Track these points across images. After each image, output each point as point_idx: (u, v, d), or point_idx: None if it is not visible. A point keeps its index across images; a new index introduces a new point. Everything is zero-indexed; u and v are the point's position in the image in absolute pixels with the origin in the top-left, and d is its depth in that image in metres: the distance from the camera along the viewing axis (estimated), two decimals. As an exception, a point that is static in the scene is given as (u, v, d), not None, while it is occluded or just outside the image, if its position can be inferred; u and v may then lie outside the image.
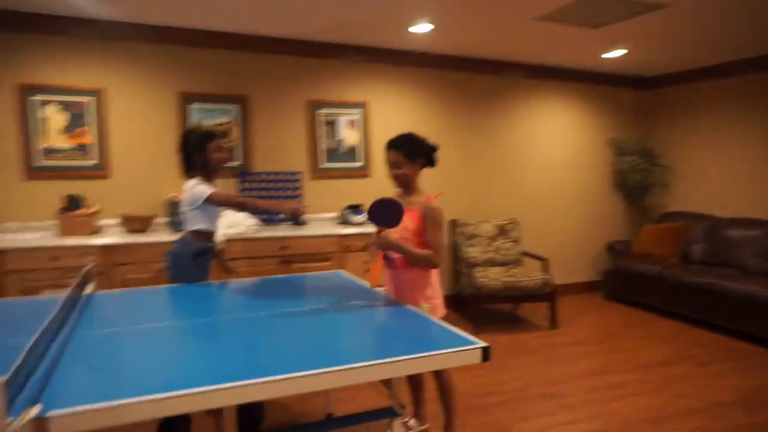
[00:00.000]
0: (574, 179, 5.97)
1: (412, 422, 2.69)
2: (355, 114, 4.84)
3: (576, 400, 3.24)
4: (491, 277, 4.65)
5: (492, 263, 5.09)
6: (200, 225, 2.80)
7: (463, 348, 1.74)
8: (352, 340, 1.84)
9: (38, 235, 3.77)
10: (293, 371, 1.51)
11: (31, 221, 3.89)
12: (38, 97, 3.85)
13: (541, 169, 5.78)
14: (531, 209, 5.72)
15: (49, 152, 3.91)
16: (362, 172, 4.90)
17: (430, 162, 2.50)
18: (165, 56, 4.21)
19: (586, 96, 5.97)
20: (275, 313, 2.19)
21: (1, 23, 3.72)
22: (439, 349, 1.72)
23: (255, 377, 1.48)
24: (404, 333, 1.96)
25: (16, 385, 1.24)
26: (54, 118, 3.91)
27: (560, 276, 5.67)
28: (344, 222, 4.56)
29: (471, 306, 4.88)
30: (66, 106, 3.93)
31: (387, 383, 2.05)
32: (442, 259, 2.41)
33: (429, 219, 2.38)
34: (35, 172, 3.89)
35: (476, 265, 4.99)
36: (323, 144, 4.75)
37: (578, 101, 5.94)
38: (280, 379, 1.48)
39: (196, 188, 2.73)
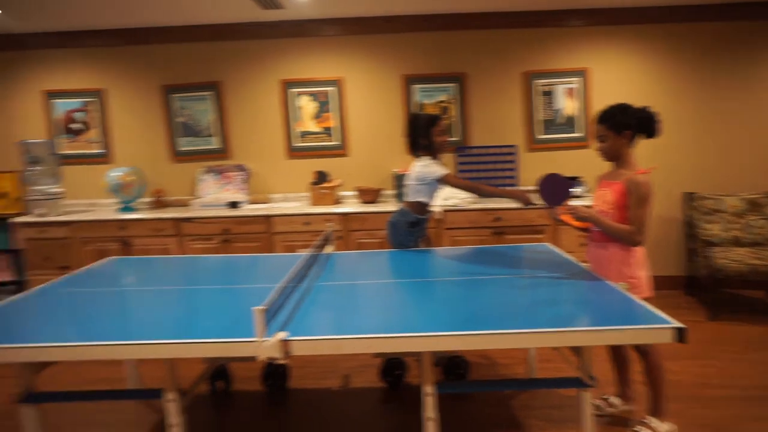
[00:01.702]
0: None
1: (614, 400, 2.66)
2: (574, 82, 4.67)
3: (833, 407, 2.74)
4: (734, 258, 4.08)
5: (737, 243, 4.44)
6: (421, 198, 3.11)
7: (654, 326, 1.72)
8: (543, 308, 1.94)
9: (296, 204, 4.65)
10: (483, 329, 1.73)
11: (290, 192, 4.82)
12: (295, 90, 4.70)
13: (816, 132, 4.74)
14: (799, 180, 4.76)
15: (303, 135, 4.76)
16: (582, 143, 4.73)
17: (645, 132, 2.37)
18: (391, 44, 4.67)
19: None
20: (477, 278, 2.41)
21: (264, 34, 4.61)
22: (627, 324, 1.73)
23: (451, 330, 1.74)
24: (595, 306, 1.99)
25: (270, 314, 1.71)
26: (306, 106, 4.72)
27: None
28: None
29: (707, 290, 4.37)
30: (315, 95, 4.71)
31: (578, 354, 2.10)
32: (644, 237, 2.31)
33: (633, 194, 2.29)
34: (294, 152, 4.78)
35: (715, 244, 4.42)
36: (540, 115, 4.72)
37: None
38: (470, 334, 1.71)
39: (431, 167, 3.01)
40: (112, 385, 3.17)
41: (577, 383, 2.01)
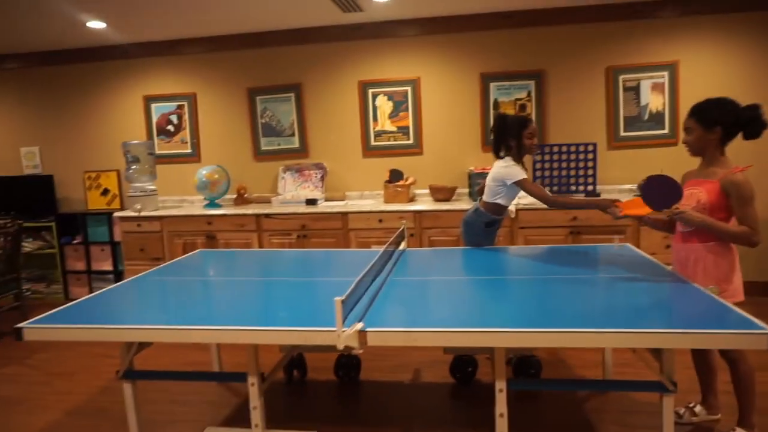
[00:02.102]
0: None
1: (698, 408, 2.53)
2: (661, 76, 4.43)
3: None
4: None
5: None
6: (499, 200, 3.08)
7: (748, 331, 1.63)
8: (625, 308, 1.88)
9: (370, 201, 4.75)
10: (559, 327, 1.71)
11: (365, 190, 4.93)
12: (372, 90, 4.80)
13: None
14: None
15: (379, 134, 4.85)
16: (668, 140, 4.49)
17: (745, 132, 2.22)
18: (468, 42, 4.66)
19: None
20: (553, 277, 2.37)
21: (344, 36, 4.74)
22: (713, 328, 1.65)
23: (524, 327, 1.73)
24: (681, 308, 1.91)
25: (349, 305, 1.78)
26: (383, 106, 4.81)
27: None
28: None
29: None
30: (391, 96, 4.78)
31: (659, 358, 2.01)
32: (761, 236, 2.17)
33: (733, 194, 2.17)
34: (370, 151, 4.89)
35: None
36: (623, 112, 4.52)
37: None
38: (547, 331, 1.70)
39: (512, 168, 2.97)
40: (197, 370, 3.41)
41: (658, 387, 1.93)
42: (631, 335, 1.67)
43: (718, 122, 2.21)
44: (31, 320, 2.07)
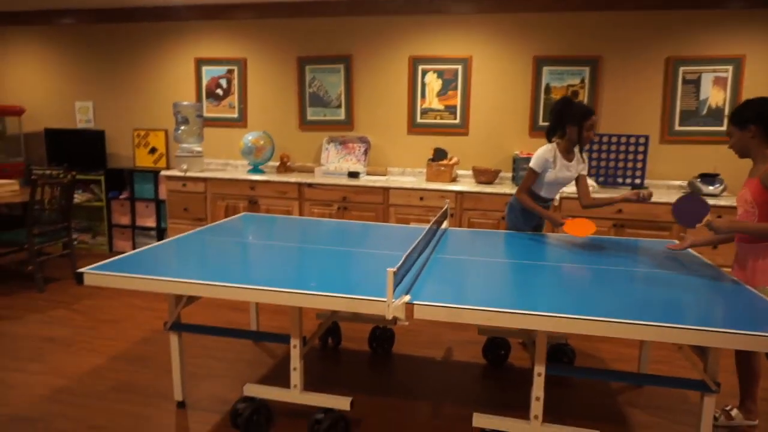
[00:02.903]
0: None
1: (735, 412, 2.49)
2: (725, 70, 4.26)
3: None
4: None
5: None
6: (535, 188, 3.09)
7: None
8: (671, 303, 1.86)
9: (412, 178, 4.75)
10: (595, 315, 1.70)
11: (407, 167, 4.93)
12: (422, 67, 4.75)
13: None
14: None
15: (425, 112, 4.82)
16: (724, 138, 4.32)
17: None
18: (524, 23, 4.55)
19: None
20: (596, 267, 2.35)
21: (397, 10, 4.68)
22: (764, 330, 1.62)
23: (564, 313, 1.73)
24: (730, 308, 1.87)
25: (398, 277, 1.80)
26: (432, 84, 4.76)
27: None
28: (693, 191, 4.17)
29: None
30: (441, 73, 4.73)
31: (704, 357, 1.99)
32: None
33: None
34: (415, 128, 4.86)
35: None
36: (680, 105, 4.38)
37: None
38: (594, 320, 1.70)
39: (537, 155, 3.01)
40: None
41: (701, 386, 1.91)
42: (678, 331, 1.65)
43: (749, 120, 2.24)
44: (91, 266, 2.17)
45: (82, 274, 2.10)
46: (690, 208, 2.36)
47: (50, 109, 5.77)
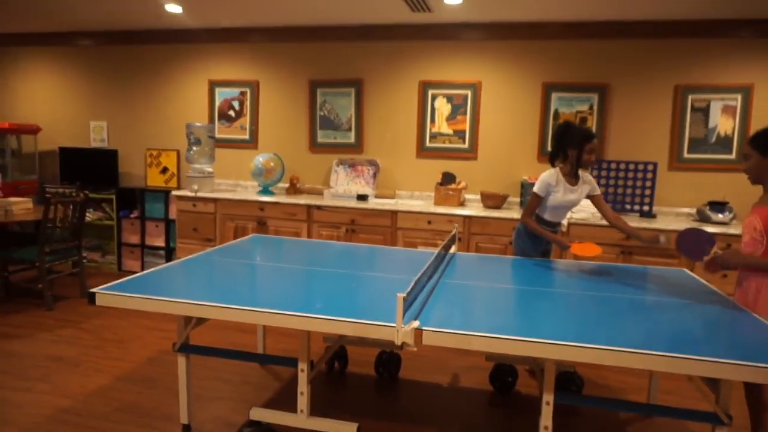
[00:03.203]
0: None
1: (748, 445, 2.44)
2: (733, 99, 4.28)
3: None
4: None
5: None
6: (540, 211, 3.10)
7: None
8: (681, 333, 1.84)
9: (420, 202, 4.77)
10: (604, 344, 1.69)
11: (416, 190, 4.95)
12: (432, 91, 4.81)
13: None
14: None
15: (434, 136, 4.86)
16: (734, 165, 4.33)
17: None
18: (533, 50, 4.61)
19: None
20: (604, 294, 2.34)
21: (408, 35, 4.76)
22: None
23: (572, 341, 1.72)
24: (739, 338, 1.85)
25: (407, 303, 1.80)
26: (441, 108, 4.82)
27: None
28: (702, 219, 4.16)
29: None
30: (450, 98, 4.78)
31: (715, 389, 1.96)
32: None
33: None
34: (424, 152, 4.90)
35: None
36: (689, 133, 4.39)
37: None
38: (604, 349, 1.69)
39: (540, 179, 3.03)
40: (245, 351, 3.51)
41: (713, 419, 1.88)
42: (690, 362, 1.64)
43: None
44: (102, 286, 2.19)
45: (94, 294, 2.11)
46: (694, 241, 2.36)
47: (65, 128, 5.88)
